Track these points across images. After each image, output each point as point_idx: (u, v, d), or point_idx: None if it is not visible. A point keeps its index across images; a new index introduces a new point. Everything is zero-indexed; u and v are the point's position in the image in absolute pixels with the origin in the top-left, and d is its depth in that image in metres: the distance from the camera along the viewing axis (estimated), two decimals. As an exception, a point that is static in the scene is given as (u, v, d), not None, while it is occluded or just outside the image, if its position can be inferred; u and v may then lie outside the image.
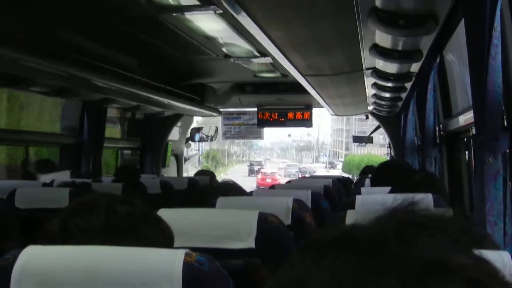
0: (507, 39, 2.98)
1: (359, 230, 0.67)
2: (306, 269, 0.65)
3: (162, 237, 1.66)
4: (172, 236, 1.71)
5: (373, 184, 4.30)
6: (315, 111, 11.90)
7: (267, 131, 14.09)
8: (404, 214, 0.70)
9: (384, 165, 4.63)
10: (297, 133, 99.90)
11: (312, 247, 0.68)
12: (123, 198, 1.68)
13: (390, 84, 6.00)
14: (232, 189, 3.47)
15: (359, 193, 3.60)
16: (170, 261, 1.43)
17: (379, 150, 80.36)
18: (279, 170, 65.73)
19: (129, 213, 1.61)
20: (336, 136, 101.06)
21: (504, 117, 2.98)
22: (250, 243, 2.30)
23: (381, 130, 12.05)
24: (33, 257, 1.46)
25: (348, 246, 0.65)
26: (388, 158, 12.16)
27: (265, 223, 2.35)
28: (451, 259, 0.62)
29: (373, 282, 0.61)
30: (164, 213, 2.32)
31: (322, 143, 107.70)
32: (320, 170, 69.82)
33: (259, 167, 65.93)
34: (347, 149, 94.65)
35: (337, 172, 62.85)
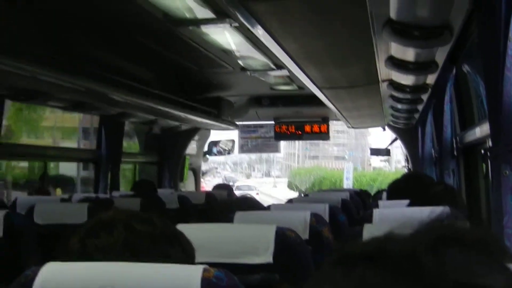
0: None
1: (392, 244, 0.65)
2: (335, 282, 0.64)
3: (183, 253, 1.66)
4: (193, 252, 1.72)
5: (389, 197, 4.28)
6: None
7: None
8: (440, 229, 0.67)
9: (400, 178, 4.60)
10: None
11: (343, 260, 0.66)
12: (142, 215, 1.69)
13: (406, 96, 5.99)
14: (249, 203, 3.48)
15: (377, 206, 3.59)
16: (188, 277, 1.44)
17: (333, 163, 79.10)
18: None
19: (148, 232, 1.61)
20: (289, 149, 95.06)
21: (520, 129, 2.97)
22: (268, 258, 2.31)
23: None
24: (52, 273, 1.48)
25: (378, 261, 0.63)
26: (405, 170, 12.12)
27: (283, 237, 2.35)
28: (483, 282, 0.60)
29: None
30: (181, 229, 2.33)
31: (274, 155, 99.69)
32: (266, 186, 69.04)
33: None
34: (298, 161, 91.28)
35: (281, 189, 61.94)
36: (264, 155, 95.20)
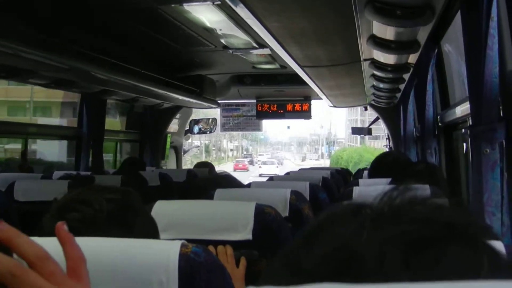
0: (503, 29, 2.98)
1: (359, 248, 0.59)
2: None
3: (153, 224, 1.69)
4: (156, 225, 1.74)
5: (370, 175, 4.29)
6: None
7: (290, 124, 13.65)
8: (410, 224, 0.60)
9: (381, 156, 4.61)
10: (310, 125, 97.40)
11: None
12: (115, 188, 1.69)
13: (388, 75, 5.98)
14: (230, 181, 3.48)
15: (357, 184, 3.60)
16: (166, 252, 1.43)
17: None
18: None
19: (127, 203, 1.62)
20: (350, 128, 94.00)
21: (500, 107, 2.99)
22: (247, 235, 2.31)
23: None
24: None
25: (349, 273, 0.58)
26: (386, 149, 12.15)
27: (262, 215, 2.35)
28: None
29: None
30: (162, 205, 2.33)
31: (335, 136, 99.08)
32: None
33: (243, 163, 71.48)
34: (362, 142, 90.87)
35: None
36: (323, 135, 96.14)
